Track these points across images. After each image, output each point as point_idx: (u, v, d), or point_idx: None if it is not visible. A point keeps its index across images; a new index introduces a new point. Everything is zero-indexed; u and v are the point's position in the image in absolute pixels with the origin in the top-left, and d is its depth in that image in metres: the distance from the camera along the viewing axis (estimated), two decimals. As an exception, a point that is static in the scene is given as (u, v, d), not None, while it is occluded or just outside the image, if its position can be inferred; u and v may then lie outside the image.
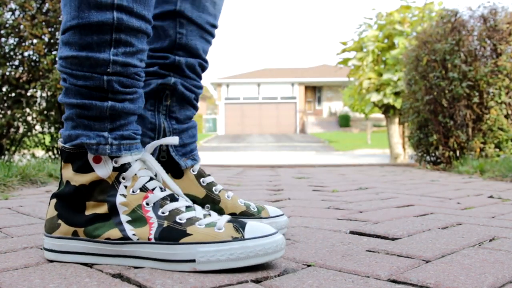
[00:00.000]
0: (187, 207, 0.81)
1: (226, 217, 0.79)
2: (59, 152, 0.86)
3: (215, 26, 1.06)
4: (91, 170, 0.82)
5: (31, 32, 3.82)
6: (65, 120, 0.85)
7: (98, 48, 0.79)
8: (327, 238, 1.02)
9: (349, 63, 11.09)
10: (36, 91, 4.18)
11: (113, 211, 0.81)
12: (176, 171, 1.02)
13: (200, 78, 1.07)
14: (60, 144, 0.85)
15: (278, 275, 0.73)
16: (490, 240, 1.00)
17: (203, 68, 1.07)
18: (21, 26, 3.92)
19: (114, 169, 0.81)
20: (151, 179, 0.83)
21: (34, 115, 4.21)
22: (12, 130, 4.15)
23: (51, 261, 0.82)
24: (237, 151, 14.43)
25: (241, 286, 0.68)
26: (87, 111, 0.81)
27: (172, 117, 1.03)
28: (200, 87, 1.07)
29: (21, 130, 4.25)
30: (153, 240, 0.77)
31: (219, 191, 1.02)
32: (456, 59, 3.97)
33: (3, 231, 1.12)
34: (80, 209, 0.82)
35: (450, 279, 0.71)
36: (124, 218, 0.80)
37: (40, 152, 4.53)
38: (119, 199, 0.81)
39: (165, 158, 1.01)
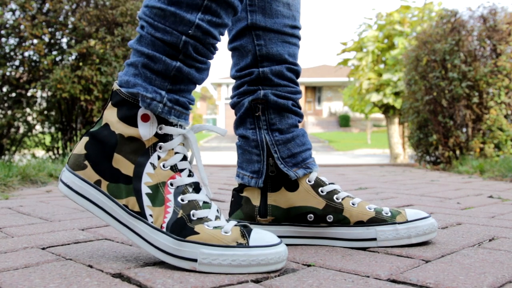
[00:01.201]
0: (204, 203, 0.80)
1: (233, 222, 0.79)
2: (111, 93, 0.85)
3: (296, 27, 1.02)
4: (135, 125, 0.81)
5: (31, 32, 3.82)
6: (128, 65, 0.83)
7: (187, 8, 0.78)
8: (327, 238, 1.02)
9: (349, 63, 11.09)
10: (36, 91, 4.18)
11: (137, 177, 0.80)
12: (289, 184, 0.97)
13: (294, 82, 1.02)
14: (116, 86, 0.83)
15: (278, 275, 0.74)
16: (490, 240, 1.00)
17: (295, 72, 1.02)
18: (22, 26, 3.92)
19: (156, 134, 0.80)
20: (184, 158, 0.82)
21: (34, 115, 4.21)
22: (13, 130, 4.15)
23: (64, 196, 0.83)
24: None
25: (241, 286, 0.68)
26: (154, 64, 0.80)
27: (274, 129, 0.99)
28: (297, 92, 1.02)
29: (21, 130, 4.25)
30: (164, 230, 0.77)
31: (343, 199, 0.96)
32: (455, 59, 3.98)
33: (3, 231, 1.12)
34: (109, 158, 0.81)
35: (450, 279, 0.71)
36: (144, 189, 0.79)
37: (40, 152, 4.53)
38: (147, 168, 0.80)
39: (274, 172, 0.98)
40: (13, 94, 4.12)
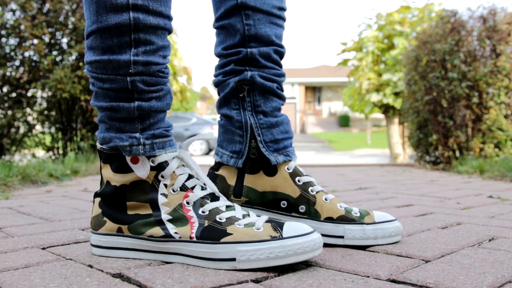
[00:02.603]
0: (228, 207, 0.82)
1: (265, 217, 0.80)
2: (98, 153, 0.89)
3: (283, 9, 1.02)
4: (130, 170, 0.84)
5: (31, 33, 3.82)
6: (99, 122, 0.87)
7: (119, 50, 0.80)
8: (327, 238, 1.02)
9: (349, 64, 11.09)
10: (37, 91, 4.18)
11: (155, 211, 0.83)
12: (268, 169, 0.98)
13: (279, 65, 1.03)
14: (98, 145, 0.87)
15: (278, 275, 0.74)
16: (490, 240, 1.00)
17: (280, 54, 1.02)
18: (22, 27, 3.92)
19: (152, 168, 0.83)
20: (190, 176, 0.85)
21: (35, 115, 4.21)
22: (13, 130, 4.15)
23: (100, 256, 0.86)
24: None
25: (241, 286, 0.69)
26: (117, 113, 0.83)
27: (258, 111, 1.00)
28: (282, 75, 1.02)
29: (21, 130, 4.25)
30: (194, 239, 0.78)
31: (317, 192, 0.97)
32: (455, 59, 3.98)
33: (3, 231, 1.12)
34: (122, 209, 0.85)
35: (450, 278, 0.71)
36: (165, 217, 0.82)
37: (40, 152, 4.53)
38: (160, 199, 0.83)
39: (255, 155, 0.99)
40: (13, 94, 4.12)
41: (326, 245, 0.95)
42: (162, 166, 0.83)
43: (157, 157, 0.83)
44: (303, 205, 0.96)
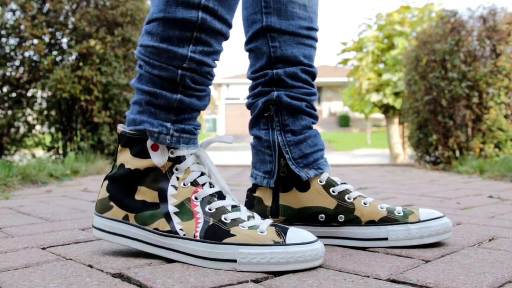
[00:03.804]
0: (233, 207, 0.83)
1: (269, 221, 0.80)
2: (117, 136, 0.90)
3: (312, 29, 1.02)
4: (147, 156, 0.85)
5: (31, 33, 3.82)
6: (133, 103, 0.87)
7: (178, 42, 0.81)
8: (327, 238, 1.02)
9: (349, 63, 11.09)
10: (37, 91, 4.18)
11: (162, 201, 0.83)
12: (300, 185, 0.97)
13: (309, 84, 1.02)
14: (120, 129, 0.88)
15: (278, 275, 0.74)
16: (490, 240, 1.00)
17: (309, 73, 1.02)
18: (22, 27, 3.92)
19: (170, 159, 0.84)
20: (202, 174, 0.86)
21: (35, 115, 4.21)
22: (13, 130, 4.15)
23: (100, 239, 0.87)
24: (237, 151, 14.43)
25: (241, 286, 0.68)
26: (156, 100, 0.84)
27: (287, 130, 1.00)
28: (312, 94, 1.02)
29: (21, 130, 4.25)
30: (198, 238, 0.79)
31: (354, 199, 0.95)
32: (455, 59, 3.98)
33: (3, 231, 1.12)
34: (131, 192, 0.85)
35: (450, 278, 0.71)
36: (172, 209, 0.82)
37: (40, 152, 4.53)
38: (170, 190, 0.84)
39: (285, 173, 0.99)
40: (13, 94, 4.12)
41: (329, 245, 0.95)
42: (179, 159, 0.85)
43: (178, 150, 0.84)
44: (341, 214, 0.94)
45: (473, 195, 1.94)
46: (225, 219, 0.80)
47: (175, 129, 0.84)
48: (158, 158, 0.84)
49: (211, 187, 0.85)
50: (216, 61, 0.87)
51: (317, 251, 0.76)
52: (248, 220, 0.81)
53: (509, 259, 0.83)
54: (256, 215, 0.84)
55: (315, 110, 1.03)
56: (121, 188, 0.86)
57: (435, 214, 0.93)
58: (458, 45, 4.04)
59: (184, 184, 0.84)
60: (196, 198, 0.83)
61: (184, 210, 0.82)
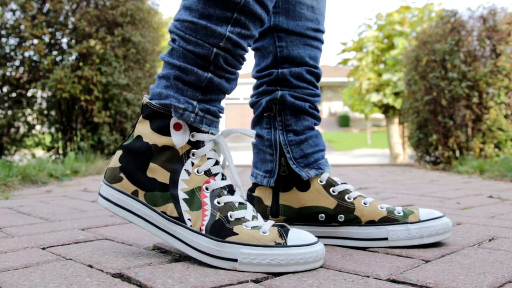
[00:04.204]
0: (240, 204, 0.82)
1: (271, 222, 0.80)
2: (141, 107, 0.88)
3: (319, 31, 1.02)
4: (168, 134, 0.83)
5: (31, 33, 3.82)
6: (160, 77, 0.86)
7: (217, 21, 0.80)
8: (327, 238, 1.02)
9: (349, 63, 11.09)
10: (37, 91, 4.18)
11: (173, 184, 0.82)
12: (300, 184, 0.98)
13: (314, 85, 1.03)
14: (146, 99, 0.86)
15: (278, 275, 0.74)
16: (490, 240, 1.00)
17: (314, 74, 1.03)
18: (22, 27, 3.92)
19: (189, 142, 0.83)
20: (216, 163, 0.85)
21: (35, 115, 4.21)
22: (13, 130, 4.15)
23: (105, 208, 0.86)
24: (237, 151, 14.43)
25: (241, 286, 0.68)
26: (186, 75, 0.82)
27: (289, 130, 1.00)
28: (316, 95, 1.02)
29: (21, 130, 4.25)
30: (203, 232, 0.79)
31: (354, 198, 0.95)
32: (455, 59, 3.98)
33: (3, 231, 1.12)
34: (143, 168, 0.84)
35: (450, 278, 0.71)
36: (181, 195, 0.82)
37: (40, 152, 4.53)
38: (182, 175, 0.83)
39: (286, 172, 0.99)
40: (13, 94, 4.12)
41: (329, 245, 0.95)
42: (198, 144, 0.83)
43: (198, 134, 0.83)
44: (341, 214, 0.94)
45: (473, 195, 1.94)
46: (231, 216, 0.79)
47: (200, 108, 0.83)
48: (178, 138, 0.83)
49: (223, 179, 0.84)
50: (249, 46, 0.86)
51: (317, 253, 0.76)
52: (252, 219, 0.80)
53: (509, 259, 0.83)
54: (259, 216, 0.84)
55: (318, 111, 1.04)
56: (135, 161, 0.85)
57: (435, 214, 0.93)
58: (458, 45, 4.04)
59: (197, 172, 0.83)
60: (207, 189, 0.82)
61: (194, 199, 0.81)
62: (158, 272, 0.74)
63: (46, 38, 4.02)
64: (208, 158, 0.84)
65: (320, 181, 0.97)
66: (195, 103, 0.83)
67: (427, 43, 4.25)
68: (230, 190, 0.84)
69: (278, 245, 0.75)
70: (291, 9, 0.98)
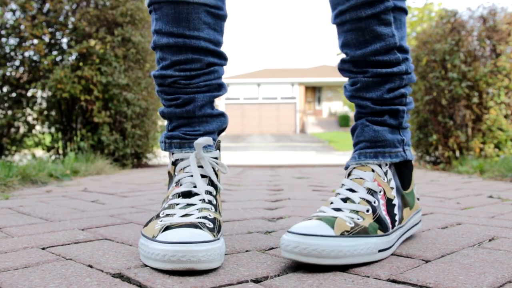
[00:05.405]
0: (188, 205, 0.86)
1: (178, 219, 0.82)
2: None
3: None
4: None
5: (31, 33, 3.82)
6: None
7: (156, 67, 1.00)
8: (327, 238, 1.02)
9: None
10: (37, 91, 4.18)
11: (163, 201, 0.93)
12: None
13: None
14: None
15: (278, 275, 0.74)
16: (490, 240, 1.00)
17: None
18: (22, 27, 3.92)
19: (172, 163, 0.97)
20: (188, 175, 0.92)
21: (35, 115, 4.21)
22: (13, 130, 4.15)
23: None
24: (237, 151, 14.42)
25: (241, 286, 0.69)
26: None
27: None
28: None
29: (21, 130, 4.25)
30: (142, 227, 0.88)
31: None
32: (455, 59, 3.98)
33: (3, 231, 1.12)
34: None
35: (450, 279, 0.71)
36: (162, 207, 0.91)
37: (40, 152, 4.53)
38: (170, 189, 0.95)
39: None
40: (13, 94, 4.12)
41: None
42: (177, 162, 0.95)
43: (175, 154, 0.96)
44: None
45: (473, 195, 1.94)
46: (162, 213, 0.85)
47: (166, 137, 0.99)
48: (169, 164, 0.98)
49: (185, 187, 0.91)
50: (182, 71, 0.97)
51: (165, 252, 0.72)
52: (167, 217, 0.84)
53: (509, 259, 0.83)
54: (197, 213, 0.83)
55: None
56: None
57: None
58: (458, 45, 4.04)
59: (175, 183, 0.92)
60: (172, 196, 0.90)
61: (164, 208, 0.89)
62: (158, 272, 0.74)
63: (46, 38, 4.02)
64: (183, 172, 0.93)
65: None
66: (164, 133, 1.01)
67: (427, 43, 4.25)
68: (187, 195, 0.89)
69: (153, 238, 0.77)
70: None
